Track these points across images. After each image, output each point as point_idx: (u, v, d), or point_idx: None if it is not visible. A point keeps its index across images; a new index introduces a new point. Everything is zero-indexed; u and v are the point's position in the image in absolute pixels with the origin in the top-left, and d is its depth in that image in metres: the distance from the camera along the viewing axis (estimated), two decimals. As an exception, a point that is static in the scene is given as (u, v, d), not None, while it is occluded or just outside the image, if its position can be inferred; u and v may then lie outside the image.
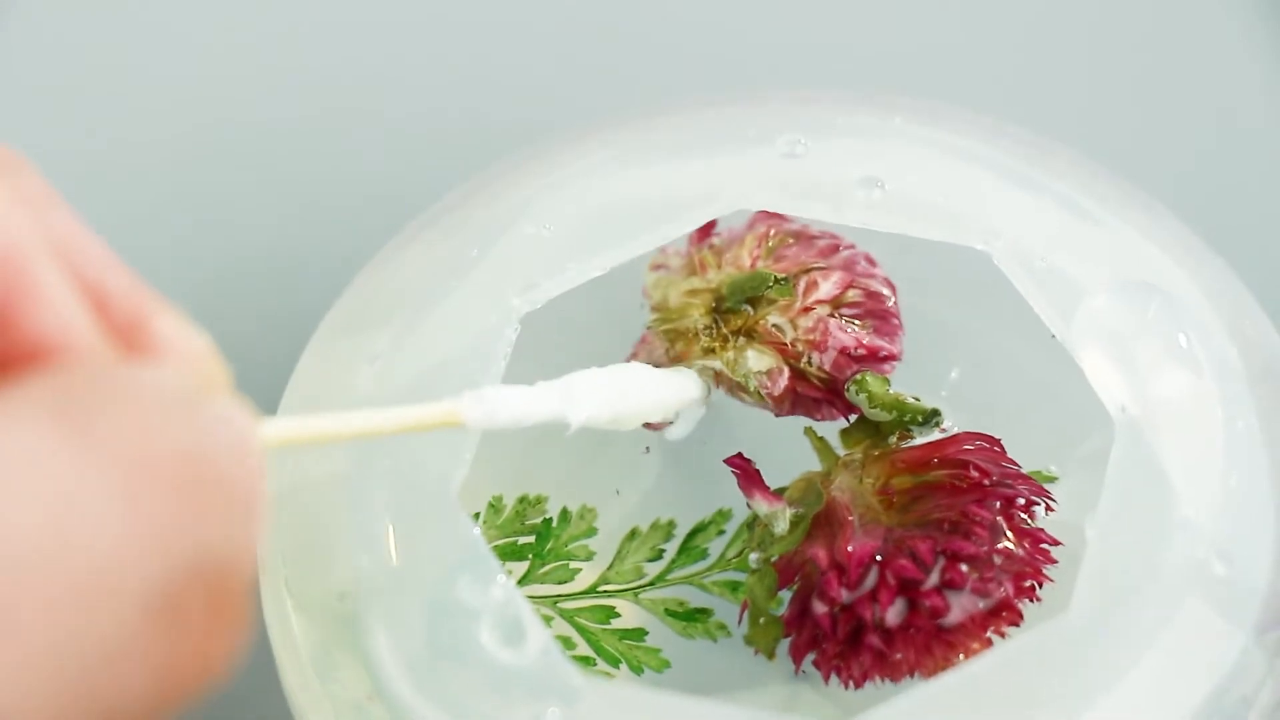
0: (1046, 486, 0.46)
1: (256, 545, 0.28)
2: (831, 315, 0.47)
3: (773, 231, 0.48)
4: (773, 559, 0.47)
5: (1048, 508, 0.45)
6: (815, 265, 0.47)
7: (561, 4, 0.65)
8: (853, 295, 0.47)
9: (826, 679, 0.46)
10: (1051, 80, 0.64)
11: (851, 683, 0.45)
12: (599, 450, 0.52)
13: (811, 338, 0.47)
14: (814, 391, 0.47)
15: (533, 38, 0.65)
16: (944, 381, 0.52)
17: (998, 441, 0.46)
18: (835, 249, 0.48)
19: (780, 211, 0.47)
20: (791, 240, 0.48)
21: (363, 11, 0.65)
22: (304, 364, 0.47)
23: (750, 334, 0.47)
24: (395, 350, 0.46)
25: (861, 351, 0.47)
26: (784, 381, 0.47)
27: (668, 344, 0.48)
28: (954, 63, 0.64)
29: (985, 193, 0.47)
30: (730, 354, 0.47)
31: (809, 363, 0.47)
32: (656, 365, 0.48)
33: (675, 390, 0.47)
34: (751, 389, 0.47)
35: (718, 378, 0.47)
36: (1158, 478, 0.42)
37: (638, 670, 0.49)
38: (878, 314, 0.47)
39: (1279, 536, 0.43)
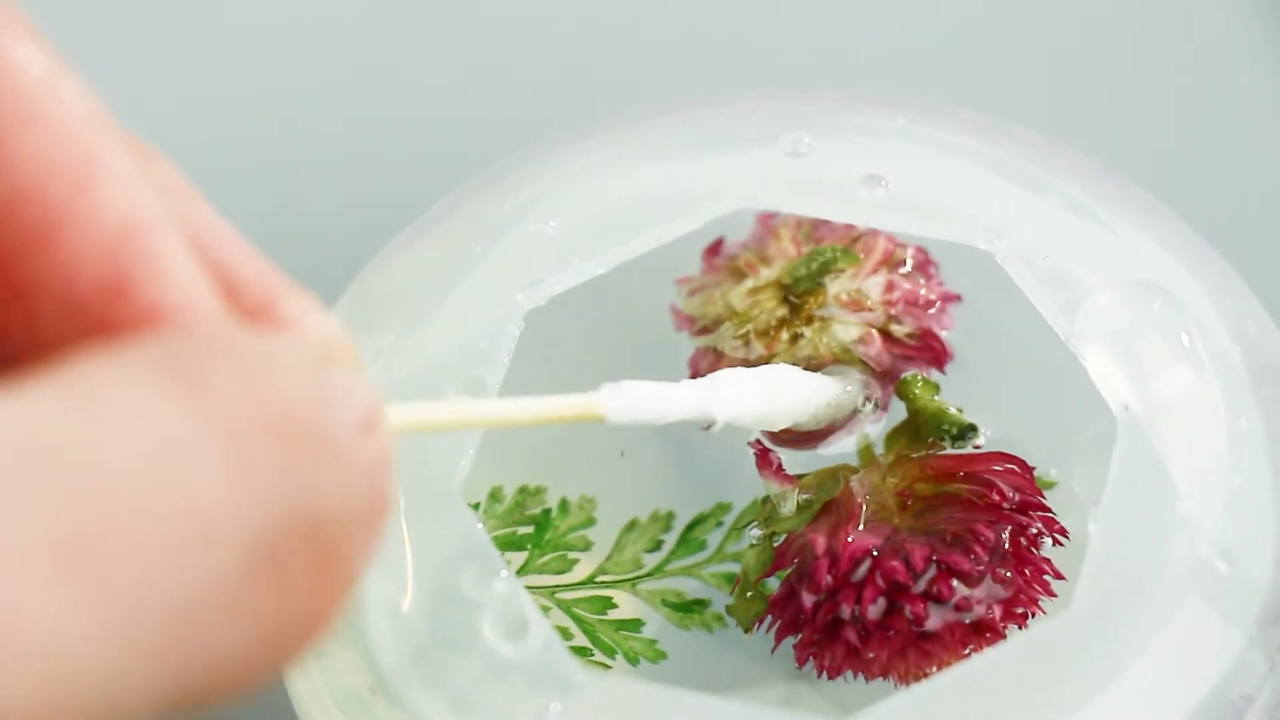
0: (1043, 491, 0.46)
1: (383, 513, 0.28)
2: (891, 274, 0.47)
3: (796, 220, 0.48)
4: (775, 538, 0.47)
5: (1056, 542, 0.45)
6: (858, 234, 0.48)
7: (564, 5, 0.65)
8: (900, 253, 0.47)
9: (800, 664, 0.46)
10: (1050, 81, 0.64)
11: (825, 674, 0.45)
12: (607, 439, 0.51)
13: (888, 297, 0.47)
14: (906, 350, 0.47)
15: (534, 39, 0.65)
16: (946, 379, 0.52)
17: (1030, 470, 0.46)
18: (853, 225, 0.48)
19: (785, 209, 0.47)
20: (817, 223, 0.48)
21: (362, 12, 0.65)
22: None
23: (831, 308, 0.47)
24: (399, 345, 0.46)
25: (935, 304, 0.47)
26: (878, 344, 0.47)
27: (745, 347, 0.47)
28: (953, 62, 0.64)
29: (988, 192, 0.48)
30: (819, 335, 0.47)
31: (895, 322, 0.47)
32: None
33: (823, 391, 0.46)
34: (854, 358, 0.47)
35: (806, 366, 0.47)
36: (1160, 475, 0.42)
37: (633, 661, 0.49)
38: (920, 265, 0.48)
39: (1281, 536, 0.43)
